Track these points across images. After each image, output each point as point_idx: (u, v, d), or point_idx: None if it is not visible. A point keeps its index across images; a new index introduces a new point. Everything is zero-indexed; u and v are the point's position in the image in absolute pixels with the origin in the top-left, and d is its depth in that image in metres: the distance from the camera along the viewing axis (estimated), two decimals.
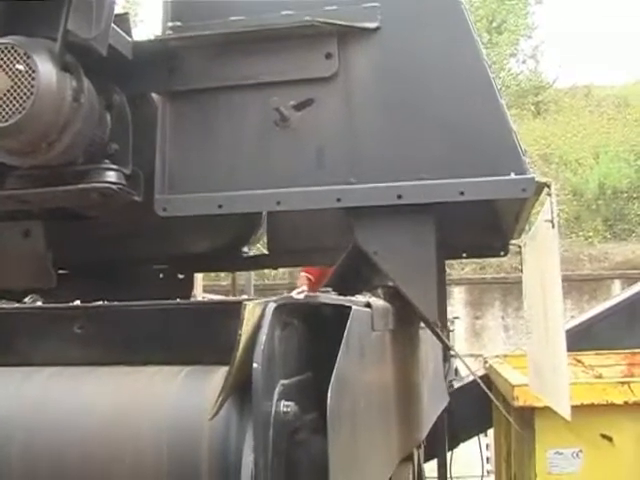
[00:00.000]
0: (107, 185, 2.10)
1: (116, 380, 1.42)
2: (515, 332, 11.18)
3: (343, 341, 1.39)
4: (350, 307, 1.50)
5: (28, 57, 1.92)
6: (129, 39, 2.26)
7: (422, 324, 2.80)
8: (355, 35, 2.25)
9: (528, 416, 3.75)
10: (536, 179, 2.10)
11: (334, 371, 1.29)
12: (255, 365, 1.22)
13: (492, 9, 19.42)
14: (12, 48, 1.92)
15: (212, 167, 2.27)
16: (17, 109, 1.90)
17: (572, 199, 14.20)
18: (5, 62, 1.92)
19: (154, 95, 2.35)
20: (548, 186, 2.09)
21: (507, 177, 2.11)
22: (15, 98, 1.90)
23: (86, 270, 2.70)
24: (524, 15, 20.47)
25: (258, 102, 2.26)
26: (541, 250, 2.41)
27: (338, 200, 2.16)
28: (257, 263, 3.42)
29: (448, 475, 5.03)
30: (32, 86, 1.90)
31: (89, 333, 1.63)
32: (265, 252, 3.19)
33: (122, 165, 2.20)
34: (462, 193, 2.11)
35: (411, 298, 2.17)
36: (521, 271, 3.05)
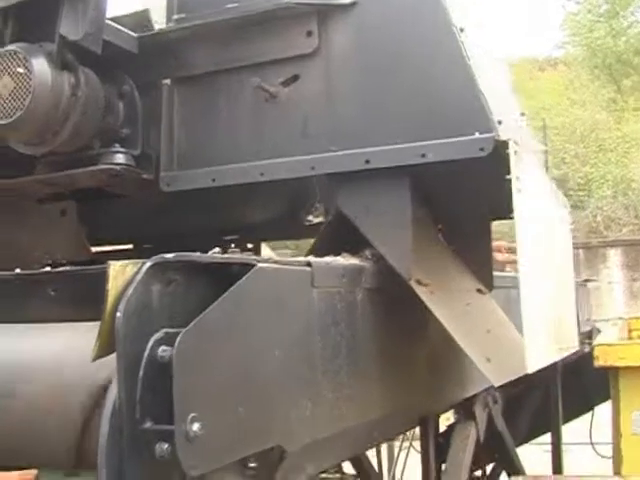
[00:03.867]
0: (111, 166, 2.39)
1: (48, 333, 1.70)
2: None
3: (227, 294, 1.57)
4: (253, 264, 1.68)
5: (27, 61, 2.23)
6: (133, 34, 2.52)
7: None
8: (334, 11, 2.40)
9: (612, 376, 3.72)
10: (496, 137, 2.16)
11: (196, 319, 1.48)
12: (118, 314, 1.44)
13: None
14: (15, 54, 2.24)
15: (210, 144, 2.50)
16: (19, 106, 2.22)
17: None
18: (9, 66, 2.24)
19: None
20: (507, 144, 2.13)
21: (467, 137, 2.18)
22: (17, 97, 2.22)
23: (164, 243, 3.00)
24: None
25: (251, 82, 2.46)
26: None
27: (312, 168, 2.33)
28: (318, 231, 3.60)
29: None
30: (30, 86, 2.21)
31: (62, 295, 1.91)
32: None
33: (131, 148, 2.49)
34: (424, 155, 2.21)
35: (387, 257, 2.30)
36: None
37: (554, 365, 4.78)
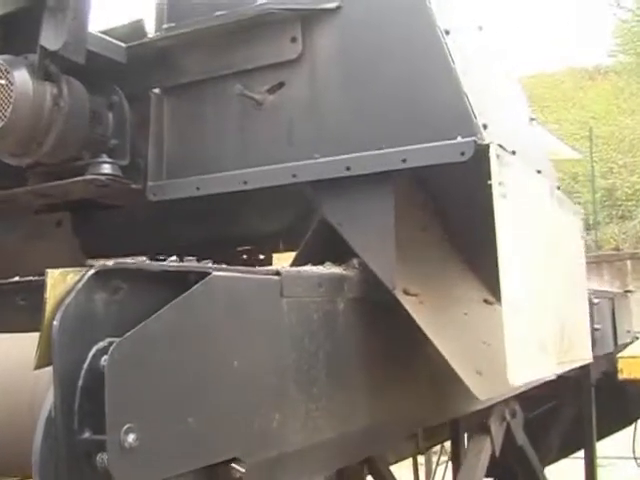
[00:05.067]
0: (97, 177, 2.38)
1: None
2: None
3: (173, 302, 1.54)
4: (207, 273, 1.65)
5: (8, 72, 2.24)
6: (121, 44, 2.52)
7: None
8: (318, 16, 2.37)
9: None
10: (478, 141, 2.10)
11: (136, 328, 1.45)
12: (55, 323, 1.42)
13: None
14: None
15: (198, 153, 2.48)
16: (0, 117, 2.23)
17: None
18: None
19: None
20: (487, 148, 2.07)
21: (447, 142, 2.13)
22: None
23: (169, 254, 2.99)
24: None
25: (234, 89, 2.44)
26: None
27: (294, 176, 2.29)
28: None
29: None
30: (11, 97, 2.22)
31: (31, 304, 1.90)
32: None
33: (119, 158, 2.49)
34: (404, 161, 2.16)
35: (370, 265, 2.24)
36: None
37: (587, 379, 4.66)
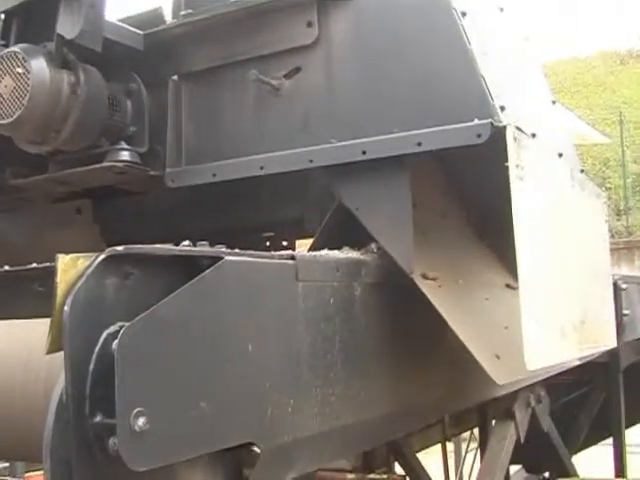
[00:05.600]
0: (114, 164, 2.39)
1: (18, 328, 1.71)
2: None
3: (185, 287, 1.54)
4: (219, 257, 1.65)
5: (26, 61, 2.25)
6: (139, 32, 2.53)
7: None
8: (333, 1, 2.35)
9: None
10: (495, 123, 2.08)
11: (146, 312, 1.46)
12: (65, 308, 1.42)
13: None
14: (14, 55, 2.27)
15: (215, 139, 2.48)
16: (19, 106, 2.25)
17: None
18: (10, 67, 2.27)
19: None
20: (505, 130, 2.04)
21: (463, 124, 2.10)
22: (17, 97, 2.25)
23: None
24: None
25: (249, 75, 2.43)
26: None
27: (310, 161, 2.28)
28: None
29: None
30: (28, 85, 2.23)
31: (49, 290, 1.92)
32: None
33: (138, 145, 2.49)
34: (419, 144, 2.14)
35: (388, 249, 2.23)
36: None
37: (615, 364, 4.60)
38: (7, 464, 6.75)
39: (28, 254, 2.74)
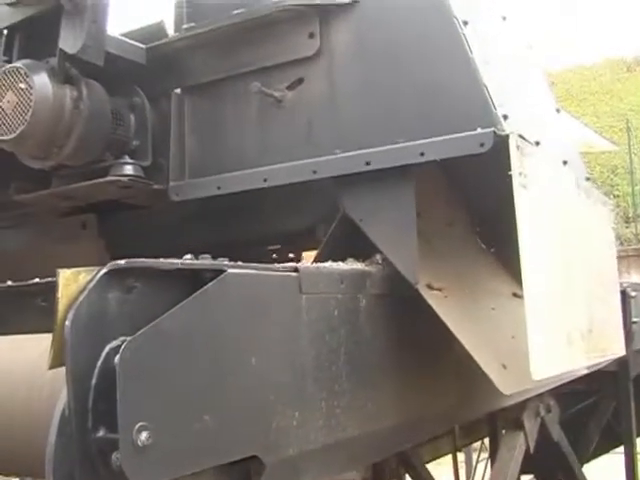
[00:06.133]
0: (118, 178, 2.40)
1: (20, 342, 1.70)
2: None
3: (187, 300, 1.54)
4: (222, 270, 1.64)
5: (28, 76, 2.26)
6: (141, 46, 2.54)
7: None
8: (335, 11, 2.36)
9: None
10: (498, 132, 2.07)
11: (148, 326, 1.45)
12: (67, 323, 1.42)
13: None
14: (17, 70, 2.28)
15: (218, 152, 2.48)
16: (21, 121, 2.25)
17: None
18: (12, 82, 2.28)
19: None
20: (507, 139, 2.03)
21: (466, 133, 2.10)
22: (20, 112, 2.26)
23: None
24: None
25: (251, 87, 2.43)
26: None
27: (314, 172, 2.28)
28: None
29: None
30: (30, 100, 2.24)
31: (52, 305, 1.91)
32: None
33: (142, 159, 2.50)
34: (422, 154, 2.14)
35: (392, 260, 2.22)
36: None
37: (625, 373, 4.57)
38: None
39: (34, 269, 2.75)
